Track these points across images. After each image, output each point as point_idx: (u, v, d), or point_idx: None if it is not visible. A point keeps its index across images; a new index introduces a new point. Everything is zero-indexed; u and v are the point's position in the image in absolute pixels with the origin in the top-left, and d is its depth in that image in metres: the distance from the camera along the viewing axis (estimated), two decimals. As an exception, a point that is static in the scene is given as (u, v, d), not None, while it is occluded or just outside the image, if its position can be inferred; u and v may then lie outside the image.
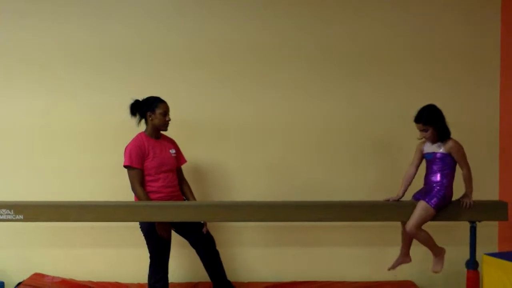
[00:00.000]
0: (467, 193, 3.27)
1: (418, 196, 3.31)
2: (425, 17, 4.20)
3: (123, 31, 4.20)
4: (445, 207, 3.25)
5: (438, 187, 3.22)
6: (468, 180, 3.25)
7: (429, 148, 3.28)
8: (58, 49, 4.19)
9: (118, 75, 4.19)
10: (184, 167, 3.80)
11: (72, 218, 3.35)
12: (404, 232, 3.41)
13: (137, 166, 3.47)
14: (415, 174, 3.35)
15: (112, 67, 4.19)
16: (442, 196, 3.21)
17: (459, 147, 3.21)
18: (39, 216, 3.32)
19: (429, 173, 3.29)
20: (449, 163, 3.23)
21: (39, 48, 4.19)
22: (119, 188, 3.92)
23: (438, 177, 3.23)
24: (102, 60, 4.20)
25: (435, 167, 3.25)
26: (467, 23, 4.20)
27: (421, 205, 3.22)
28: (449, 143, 3.20)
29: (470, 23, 4.20)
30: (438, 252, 3.41)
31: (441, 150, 3.22)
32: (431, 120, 3.19)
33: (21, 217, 3.25)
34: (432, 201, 3.20)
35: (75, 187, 4.13)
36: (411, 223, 3.24)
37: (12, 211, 3.23)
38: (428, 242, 3.35)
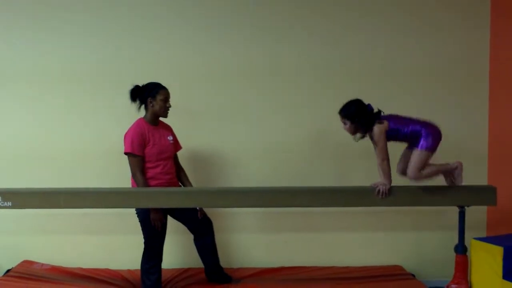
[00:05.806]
0: (382, 181, 3.20)
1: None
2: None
3: (125, 18, 4.14)
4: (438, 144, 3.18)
5: (423, 131, 3.14)
6: (381, 169, 3.19)
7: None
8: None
9: (116, 64, 4.13)
10: (180, 152, 3.78)
11: (62, 205, 3.31)
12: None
13: (139, 153, 3.44)
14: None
15: (110, 52, 4.13)
16: (431, 137, 3.14)
17: (377, 133, 3.13)
18: (28, 203, 3.30)
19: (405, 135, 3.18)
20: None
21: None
22: (110, 174, 3.91)
23: (418, 127, 3.15)
24: (103, 44, 4.14)
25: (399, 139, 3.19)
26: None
27: (415, 153, 3.16)
28: (373, 129, 3.15)
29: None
30: (454, 168, 3.27)
31: (372, 141, 3.20)
32: (348, 115, 3.18)
33: (9, 204, 3.23)
34: (422, 144, 3.14)
35: (65, 173, 4.09)
36: (410, 171, 3.15)
37: (-1, 198, 3.21)
38: (439, 170, 3.24)
